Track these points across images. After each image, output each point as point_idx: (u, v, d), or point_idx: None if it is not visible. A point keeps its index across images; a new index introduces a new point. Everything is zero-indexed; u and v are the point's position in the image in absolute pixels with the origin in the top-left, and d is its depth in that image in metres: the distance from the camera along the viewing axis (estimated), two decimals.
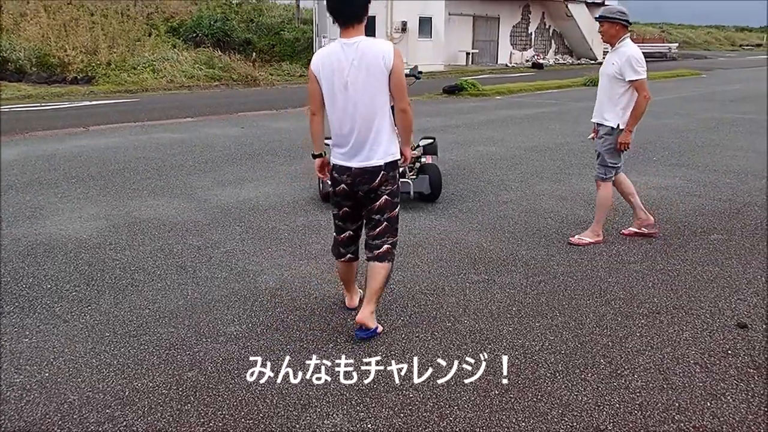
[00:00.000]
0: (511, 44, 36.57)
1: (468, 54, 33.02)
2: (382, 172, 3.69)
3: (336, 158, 3.77)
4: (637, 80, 5.21)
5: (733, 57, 49.97)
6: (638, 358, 3.63)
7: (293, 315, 4.20)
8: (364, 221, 3.92)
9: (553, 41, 39.81)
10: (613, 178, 5.63)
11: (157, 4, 37.41)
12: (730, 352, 3.71)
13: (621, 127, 5.40)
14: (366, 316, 3.82)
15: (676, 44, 48.71)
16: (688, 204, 6.98)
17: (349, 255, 4.05)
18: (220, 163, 9.11)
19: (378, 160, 3.67)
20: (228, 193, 7.37)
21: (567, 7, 37.17)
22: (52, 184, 7.78)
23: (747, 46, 65.33)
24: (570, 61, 38.92)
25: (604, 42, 5.47)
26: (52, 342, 3.82)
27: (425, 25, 29.12)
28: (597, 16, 5.57)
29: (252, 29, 36.43)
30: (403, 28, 28.03)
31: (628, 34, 5.38)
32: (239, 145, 10.48)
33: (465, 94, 18.89)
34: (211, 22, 32.35)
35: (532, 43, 38.04)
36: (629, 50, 5.26)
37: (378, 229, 3.83)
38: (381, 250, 3.83)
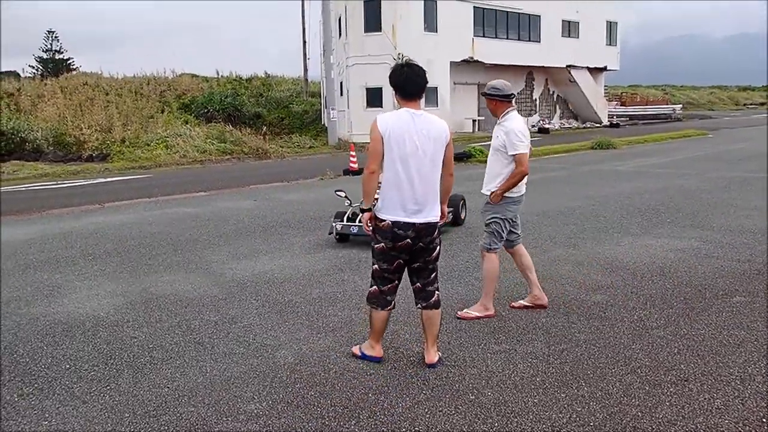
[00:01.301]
0: (517, 110, 37.11)
1: (474, 121, 33.55)
2: (437, 227, 4.29)
3: (397, 215, 4.17)
4: (516, 154, 5.23)
5: (738, 116, 50.49)
6: (670, 429, 3.54)
7: (313, 391, 4.14)
8: (417, 272, 4.39)
9: (557, 106, 40.46)
10: (498, 249, 5.51)
11: (169, 82, 38.46)
12: (764, 420, 3.61)
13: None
14: (434, 356, 4.45)
15: (680, 105, 49.34)
16: (706, 266, 6.92)
17: (393, 303, 4.46)
18: (235, 236, 9.17)
19: (435, 216, 4.27)
20: (243, 267, 7.39)
21: (570, 72, 37.91)
22: (69, 262, 7.83)
23: (751, 104, 66.06)
24: (576, 125, 39.43)
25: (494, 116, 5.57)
26: (72, 424, 3.77)
27: (431, 94, 29.69)
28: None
29: (262, 103, 37.31)
30: None
31: (512, 108, 5.39)
32: (253, 218, 10.57)
33: (473, 161, 19.08)
34: (222, 98, 33.14)
35: (537, 109, 38.65)
36: (511, 124, 5.28)
37: (431, 277, 4.42)
38: (435, 297, 4.44)
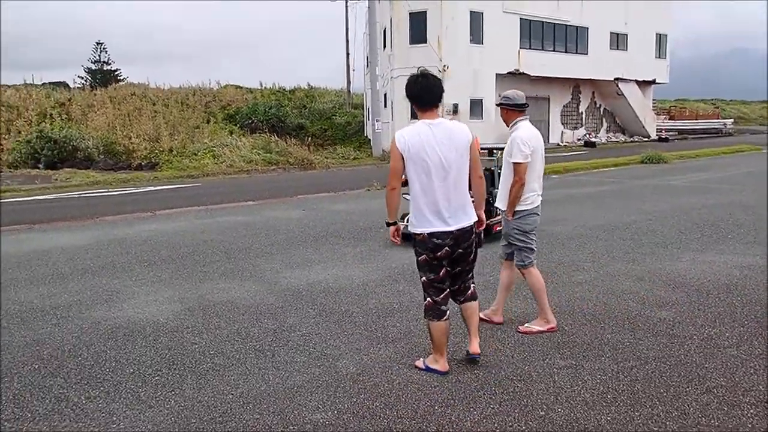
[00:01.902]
0: (562, 123, 36.78)
1: None
2: (473, 229, 4.37)
3: (433, 226, 4.25)
4: (513, 162, 5.16)
5: None
6: None
7: (378, 402, 4.07)
8: (458, 276, 4.49)
9: (604, 119, 39.92)
10: (534, 262, 5.42)
11: (214, 93, 39.06)
12: None
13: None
14: (477, 346, 4.62)
15: (732, 120, 48.22)
16: None
17: (448, 311, 4.47)
18: (286, 245, 9.19)
19: (469, 220, 4.35)
20: (297, 276, 7.38)
21: (618, 85, 37.40)
22: (125, 268, 7.93)
23: None
24: (623, 139, 38.85)
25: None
26: (140, 428, 3.77)
27: (476, 106, 29.61)
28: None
29: (305, 114, 37.62)
30: (455, 110, 28.52)
31: (523, 117, 5.31)
32: (302, 228, 10.59)
33: None
34: (266, 109, 33.51)
35: (584, 122, 38.18)
36: (518, 133, 5.23)
37: (469, 276, 4.56)
38: (471, 290, 4.60)
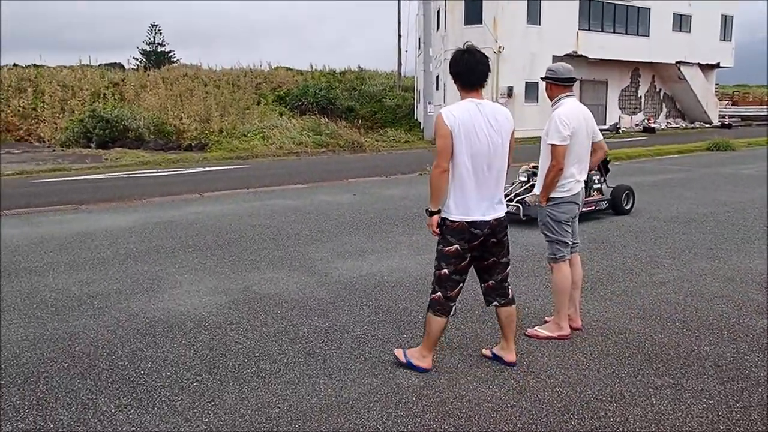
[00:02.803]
0: (620, 108, 35.44)
1: None
2: (506, 220, 4.09)
3: (472, 215, 3.91)
4: (550, 144, 4.58)
5: None
6: None
7: (447, 423, 3.51)
8: (490, 269, 4.13)
9: (663, 104, 38.38)
10: (567, 257, 4.77)
11: (265, 75, 38.87)
12: None
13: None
14: (514, 354, 4.29)
15: None
16: None
17: (454, 308, 4.16)
18: (337, 232, 8.68)
19: (505, 209, 4.09)
20: (349, 267, 6.85)
21: (679, 69, 35.82)
22: (169, 253, 7.52)
23: None
24: (683, 125, 37.27)
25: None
26: None
27: (532, 90, 28.60)
28: None
29: (355, 97, 37.12)
30: (509, 93, 27.61)
31: (568, 93, 4.72)
32: (354, 213, 10.07)
33: None
34: (316, 91, 33.12)
35: (642, 107, 36.73)
36: (559, 110, 4.65)
37: (506, 272, 4.19)
38: (511, 293, 4.24)
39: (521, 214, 8.90)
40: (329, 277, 6.50)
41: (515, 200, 9.10)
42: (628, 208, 9.81)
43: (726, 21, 38.07)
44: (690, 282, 6.20)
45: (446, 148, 3.83)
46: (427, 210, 4.06)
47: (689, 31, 35.91)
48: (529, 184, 9.26)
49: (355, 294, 5.90)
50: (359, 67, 45.25)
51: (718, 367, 4.22)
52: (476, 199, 3.90)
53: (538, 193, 4.82)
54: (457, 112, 3.83)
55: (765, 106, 44.61)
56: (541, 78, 4.93)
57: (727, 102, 44.42)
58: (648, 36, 34.00)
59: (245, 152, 22.02)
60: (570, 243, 4.80)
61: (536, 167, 9.48)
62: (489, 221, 3.94)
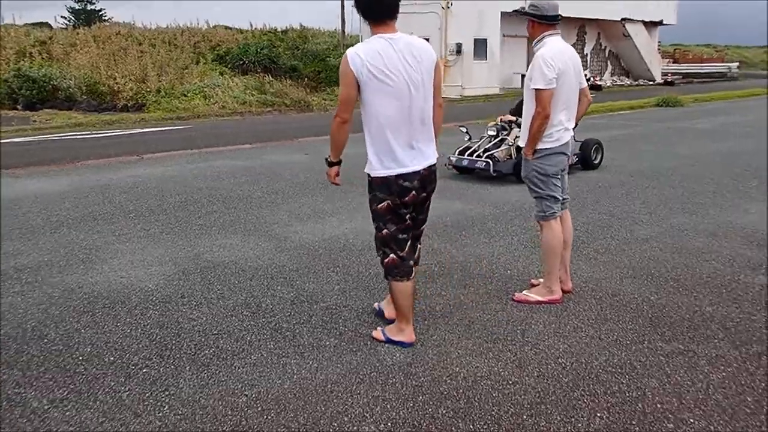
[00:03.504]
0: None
1: (523, 76, 31.79)
2: (436, 168, 3.65)
3: (401, 166, 3.47)
4: (534, 89, 4.06)
5: None
6: None
7: (444, 407, 3.04)
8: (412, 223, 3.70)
9: (609, 62, 38.48)
10: (557, 214, 4.31)
11: (203, 33, 37.26)
12: None
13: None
14: (413, 332, 3.76)
15: (736, 64, 46.71)
16: None
17: (414, 268, 3.73)
18: (292, 193, 8.07)
19: (435, 157, 3.63)
20: (310, 230, 6.29)
21: (624, 26, 35.84)
22: (107, 220, 6.80)
23: None
24: (628, 83, 37.46)
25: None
26: None
27: (481, 46, 28.08)
28: None
29: (298, 56, 35.90)
30: (458, 50, 27.03)
31: (553, 32, 4.18)
32: (309, 173, 9.46)
33: None
34: (258, 49, 31.85)
35: (588, 65, 36.72)
36: (541, 50, 4.12)
37: (421, 229, 3.80)
38: (418, 252, 3.84)
39: (491, 170, 8.45)
40: (289, 241, 5.94)
41: (485, 155, 8.65)
42: (597, 162, 9.48)
43: None
44: (672, 238, 5.87)
45: (349, 98, 3.40)
46: (325, 159, 3.74)
47: None
48: (498, 139, 8.82)
49: (320, 260, 5.35)
50: (301, 25, 43.91)
51: (726, 330, 3.86)
52: (400, 149, 3.45)
53: (522, 144, 4.32)
54: (365, 53, 3.34)
55: (705, 64, 45.31)
56: (519, 12, 4.40)
57: (668, 60, 44.87)
58: None
59: (186, 112, 20.94)
60: (560, 198, 4.35)
61: (504, 121, 9.11)
62: (419, 171, 3.49)
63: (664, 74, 38.98)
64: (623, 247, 5.59)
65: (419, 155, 3.50)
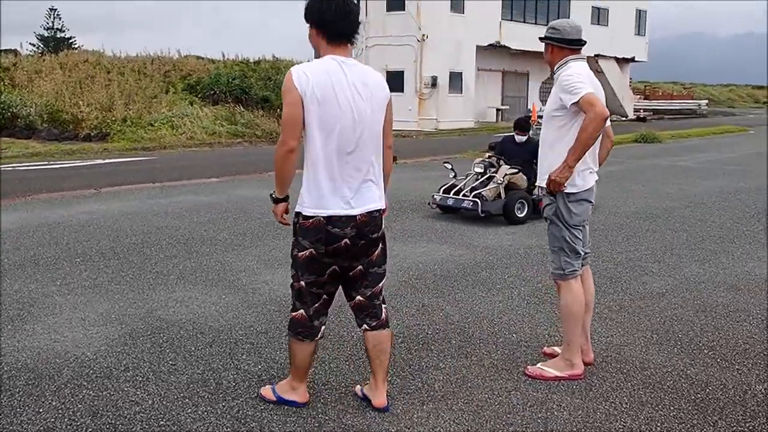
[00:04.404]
0: (541, 100, 35.16)
1: (498, 110, 31.66)
2: (381, 215, 3.14)
3: (332, 208, 2.98)
4: (581, 98, 3.35)
5: (761, 114, 48.25)
6: None
7: None
8: (358, 280, 3.17)
9: None
10: (578, 272, 3.64)
11: (174, 62, 36.56)
12: None
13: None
14: (385, 396, 3.26)
15: (705, 101, 47.30)
16: None
17: (322, 329, 3.23)
18: (262, 234, 7.30)
19: (380, 202, 3.12)
20: (282, 280, 5.52)
21: (597, 62, 35.94)
22: (51, 265, 5.97)
23: None
24: None
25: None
26: None
27: (456, 80, 27.79)
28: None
29: (270, 87, 35.36)
30: (434, 83, 26.66)
31: (577, 56, 3.61)
32: None
33: None
34: (230, 80, 31.25)
35: None
36: (568, 71, 3.52)
37: (377, 286, 3.22)
38: (384, 313, 3.29)
39: (479, 211, 7.79)
40: (257, 294, 5.17)
41: (472, 194, 7.99)
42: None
43: (640, 15, 38.50)
44: (690, 292, 5.24)
45: (294, 119, 2.91)
46: (270, 195, 3.22)
47: (607, 25, 36.06)
48: (486, 176, 8.18)
49: None
50: (274, 56, 43.45)
51: None
52: (336, 187, 2.97)
53: (548, 175, 3.57)
54: (312, 72, 2.91)
55: (675, 101, 45.77)
56: (540, 38, 3.77)
57: (639, 96, 45.23)
58: None
59: (152, 143, 20.09)
60: (582, 253, 3.67)
61: (492, 157, 8.49)
62: (354, 216, 3.00)
63: (636, 110, 39.24)
64: (638, 304, 4.93)
65: (358, 198, 3.02)
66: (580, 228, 3.62)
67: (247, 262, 6.16)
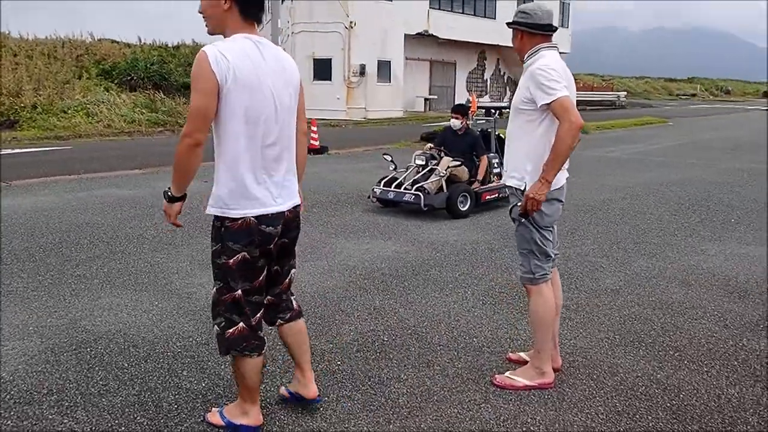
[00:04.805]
0: (468, 90, 35.45)
1: (426, 100, 31.63)
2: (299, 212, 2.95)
3: (260, 206, 2.70)
4: (553, 101, 3.09)
5: (677, 106, 50.12)
6: None
7: None
8: (273, 279, 2.95)
9: (508, 88, 39.04)
10: (549, 275, 3.42)
11: (87, 46, 34.85)
12: None
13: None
14: (314, 385, 3.12)
15: (624, 93, 48.78)
16: None
17: (264, 341, 2.92)
18: (193, 231, 6.83)
19: (297, 196, 2.90)
20: None
21: None
22: None
23: (683, 95, 66.52)
24: None
25: (520, 60, 3.46)
26: None
27: (384, 68, 27.52)
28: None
29: (190, 73, 34.16)
30: (362, 71, 26.31)
31: (548, 45, 3.32)
32: None
33: None
34: (148, 65, 30.02)
35: (488, 90, 37.09)
36: (541, 61, 3.24)
37: (289, 279, 3.03)
38: (296, 303, 3.10)
39: (422, 204, 7.55)
40: (193, 299, 4.76)
41: (413, 187, 7.75)
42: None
43: (564, 7, 39.22)
44: (644, 288, 5.15)
45: (207, 111, 2.56)
46: (165, 192, 2.77)
47: None
48: (427, 169, 7.94)
49: None
50: (194, 41, 42.05)
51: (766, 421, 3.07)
52: (263, 183, 2.70)
53: (521, 181, 3.34)
54: (232, 54, 2.55)
55: (595, 92, 46.95)
56: (508, 24, 3.50)
57: None
58: (494, 18, 34.10)
59: (66, 131, 18.98)
60: (553, 255, 3.46)
61: (434, 148, 8.25)
62: (282, 212, 2.77)
63: None
64: (595, 302, 4.80)
65: (284, 192, 2.79)
66: (551, 229, 3.41)
67: (178, 262, 5.71)
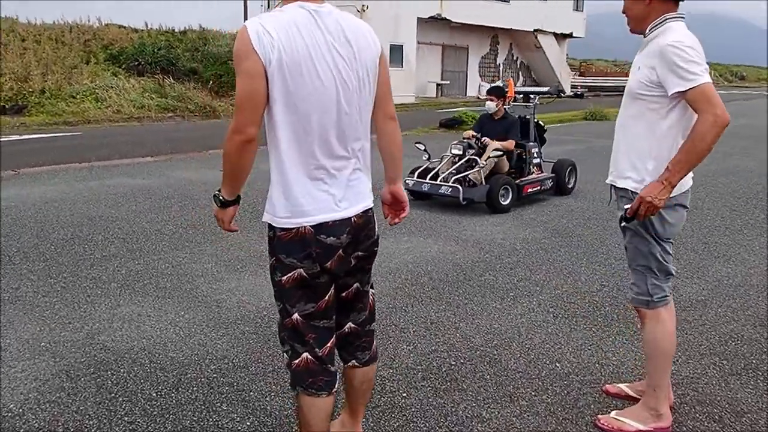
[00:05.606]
0: (480, 75, 34.74)
1: (438, 85, 30.94)
2: (373, 214, 2.33)
3: (320, 212, 2.13)
4: (693, 87, 2.48)
5: None
6: None
7: None
8: (349, 303, 2.37)
9: (520, 73, 38.25)
10: (668, 297, 2.83)
11: (94, 31, 34.36)
12: None
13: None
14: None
15: None
16: None
17: (338, 375, 2.34)
18: (215, 227, 6.20)
19: (369, 197, 2.30)
20: (249, 288, 4.56)
21: (536, 37, 35.65)
22: None
23: None
24: None
25: (631, 32, 2.81)
26: None
27: (396, 53, 26.82)
28: None
29: (198, 58, 33.68)
30: None
31: (675, 15, 2.64)
32: None
33: (465, 128, 16.50)
34: (155, 50, 29.49)
35: (501, 75, 36.31)
36: (673, 36, 2.56)
37: (368, 310, 2.43)
38: (374, 345, 2.50)
39: (460, 198, 6.97)
40: (224, 309, 4.19)
41: (451, 179, 7.16)
42: (570, 186, 8.26)
43: None
44: (733, 299, 4.59)
45: (255, 97, 2.01)
46: (216, 196, 2.23)
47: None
48: (465, 159, 7.34)
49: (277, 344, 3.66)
50: (201, 26, 41.52)
51: None
52: (320, 184, 2.15)
53: (630, 185, 2.75)
54: (277, 30, 2.00)
55: (609, 77, 46.10)
56: None
57: (575, 73, 45.39)
58: (508, 2, 33.31)
59: (74, 117, 18.44)
60: (674, 273, 2.86)
61: (476, 136, 7.64)
62: (350, 218, 2.20)
63: (574, 87, 39.26)
64: (683, 316, 4.19)
65: (351, 194, 2.22)
66: (672, 241, 2.81)
67: (203, 263, 5.15)
